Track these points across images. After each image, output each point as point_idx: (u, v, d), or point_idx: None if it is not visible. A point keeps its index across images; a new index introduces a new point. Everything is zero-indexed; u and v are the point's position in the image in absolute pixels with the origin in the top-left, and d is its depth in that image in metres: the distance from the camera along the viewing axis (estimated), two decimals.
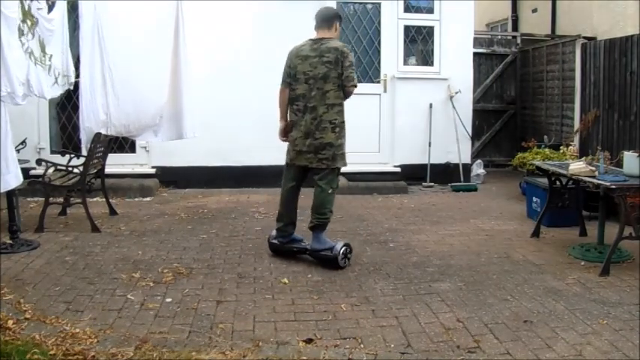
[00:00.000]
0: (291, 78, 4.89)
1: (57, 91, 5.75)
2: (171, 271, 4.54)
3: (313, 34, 4.96)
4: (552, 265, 4.79)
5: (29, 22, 3.92)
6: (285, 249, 4.99)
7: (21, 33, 3.95)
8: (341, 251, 4.68)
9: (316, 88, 4.74)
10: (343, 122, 4.85)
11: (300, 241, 5.01)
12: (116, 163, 7.39)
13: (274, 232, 5.07)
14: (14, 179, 4.50)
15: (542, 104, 9.68)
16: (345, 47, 4.80)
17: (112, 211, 6.46)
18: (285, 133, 5.05)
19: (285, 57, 8.27)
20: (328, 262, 4.69)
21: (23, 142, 6.44)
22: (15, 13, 4.51)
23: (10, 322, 3.44)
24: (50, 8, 5.58)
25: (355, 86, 4.79)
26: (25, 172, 5.56)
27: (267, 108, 7.93)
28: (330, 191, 4.83)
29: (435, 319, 3.70)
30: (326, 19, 4.92)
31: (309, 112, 4.76)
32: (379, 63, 8.47)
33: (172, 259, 4.89)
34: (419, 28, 8.60)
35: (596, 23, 9.55)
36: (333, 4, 8.19)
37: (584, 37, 8.79)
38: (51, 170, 5.99)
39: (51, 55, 4.49)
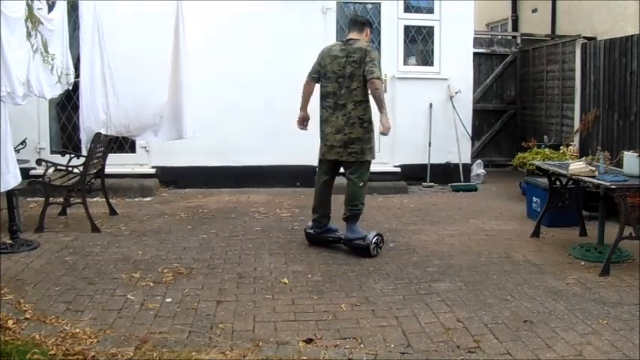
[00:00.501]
0: (320, 76, 5.19)
1: (57, 91, 5.76)
2: (171, 271, 4.54)
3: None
4: (552, 265, 4.79)
5: (32, 22, 3.94)
6: (320, 238, 5.31)
7: (28, 34, 3.97)
8: (373, 240, 4.99)
9: (345, 87, 5.05)
10: (371, 118, 5.13)
11: (335, 231, 5.32)
12: (116, 163, 7.39)
13: (310, 223, 5.38)
14: (13, 179, 4.51)
15: (542, 104, 9.67)
16: (369, 46, 5.13)
17: (112, 211, 6.46)
18: (302, 122, 5.40)
19: (284, 57, 8.32)
20: (361, 250, 5.00)
21: (23, 142, 6.45)
22: (16, 13, 4.52)
23: (10, 322, 3.44)
24: (50, 8, 5.59)
25: (378, 79, 4.97)
26: (25, 172, 5.57)
27: (268, 108, 7.99)
28: (360, 184, 5.13)
29: (435, 319, 3.70)
30: (359, 24, 5.30)
31: (339, 109, 5.07)
32: (379, 63, 8.45)
33: (172, 259, 4.89)
34: (419, 28, 8.59)
35: (596, 23, 9.56)
36: (333, 5, 8.22)
37: (584, 37, 8.79)
38: (51, 170, 5.99)
39: (53, 55, 4.51)
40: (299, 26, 8.08)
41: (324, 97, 5.16)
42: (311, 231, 5.33)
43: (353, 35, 5.20)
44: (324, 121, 5.17)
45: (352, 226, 5.11)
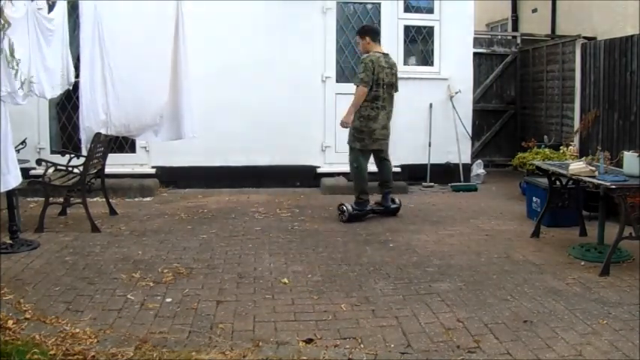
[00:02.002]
0: (373, 83, 6.16)
1: (57, 91, 5.76)
2: (171, 271, 4.54)
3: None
4: (552, 265, 4.79)
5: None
6: (363, 214, 6.33)
7: None
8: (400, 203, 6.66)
9: (387, 92, 6.34)
10: None
11: (372, 206, 6.47)
12: (116, 163, 7.39)
13: (349, 206, 6.23)
14: (14, 179, 4.50)
15: (542, 104, 9.67)
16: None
17: (112, 211, 6.46)
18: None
19: (284, 57, 8.31)
20: (395, 212, 6.56)
21: (23, 142, 6.44)
22: (17, 13, 4.51)
23: (10, 322, 3.44)
24: (50, 8, 5.58)
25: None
26: (25, 172, 5.56)
27: (268, 108, 7.99)
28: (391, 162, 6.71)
29: (435, 319, 3.70)
30: (379, 34, 6.58)
31: (383, 110, 6.32)
32: None
33: (172, 259, 4.89)
34: (419, 28, 8.60)
35: (596, 23, 9.56)
36: (334, 5, 8.22)
37: (584, 37, 8.78)
38: (51, 170, 5.99)
39: (19, 60, 4.48)
40: (299, 26, 8.08)
41: (374, 99, 6.21)
42: (356, 212, 6.24)
43: (380, 47, 6.44)
44: (372, 119, 6.23)
45: (389, 197, 6.55)
